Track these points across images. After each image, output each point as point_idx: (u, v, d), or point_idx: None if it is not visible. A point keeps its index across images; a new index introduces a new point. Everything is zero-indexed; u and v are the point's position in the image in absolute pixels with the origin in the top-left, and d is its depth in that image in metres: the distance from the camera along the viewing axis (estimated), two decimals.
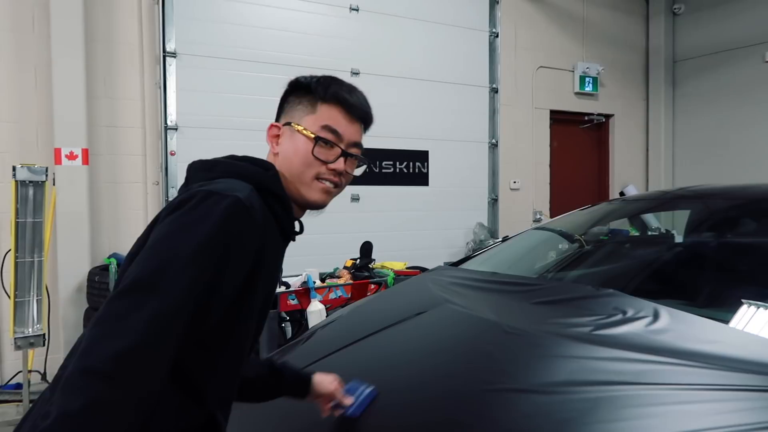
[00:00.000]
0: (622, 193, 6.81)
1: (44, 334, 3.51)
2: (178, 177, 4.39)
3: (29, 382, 3.54)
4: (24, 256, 3.41)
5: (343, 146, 1.14)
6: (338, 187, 1.16)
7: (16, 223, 3.37)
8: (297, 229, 1.17)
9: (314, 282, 3.71)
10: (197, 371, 1.00)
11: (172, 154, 4.43)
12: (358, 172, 1.21)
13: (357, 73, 5.12)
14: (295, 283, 3.73)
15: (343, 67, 4.97)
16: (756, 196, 2.39)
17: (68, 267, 4.10)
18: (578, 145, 7.11)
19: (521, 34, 6.36)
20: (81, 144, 4.11)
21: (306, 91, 1.16)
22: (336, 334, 2.00)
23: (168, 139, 4.44)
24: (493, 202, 6.02)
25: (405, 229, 5.41)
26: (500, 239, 3.15)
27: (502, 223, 5.97)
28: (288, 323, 4.00)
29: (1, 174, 3.99)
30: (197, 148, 4.32)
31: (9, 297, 3.51)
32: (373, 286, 3.94)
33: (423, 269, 4.07)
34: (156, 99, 4.46)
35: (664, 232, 3.07)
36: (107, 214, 4.38)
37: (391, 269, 4.24)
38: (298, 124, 1.13)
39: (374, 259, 4.35)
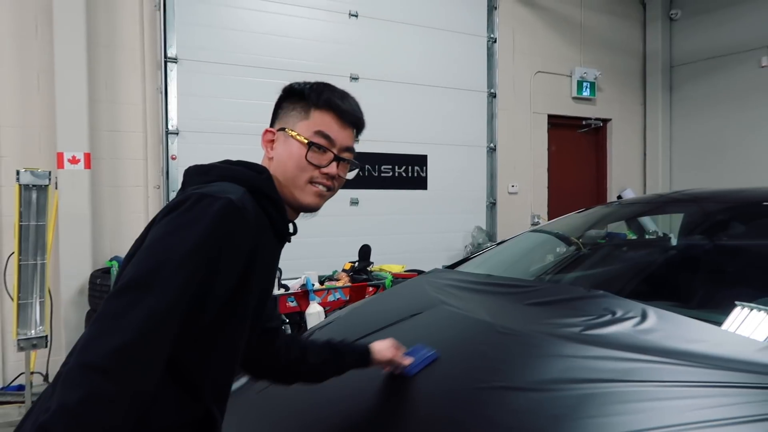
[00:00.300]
0: (619, 197, 6.84)
1: (47, 336, 3.55)
2: (179, 181, 4.36)
3: (31, 383, 3.57)
4: (27, 259, 3.44)
5: (335, 151, 1.17)
6: (331, 191, 1.19)
7: (20, 227, 3.41)
8: (291, 230, 1.20)
9: (313, 284, 3.75)
10: (194, 367, 1.03)
11: (173, 159, 4.46)
12: (351, 175, 1.24)
13: (356, 79, 5.15)
14: (294, 285, 3.77)
15: (342, 73, 5.02)
16: (750, 200, 2.43)
17: (70, 270, 4.12)
18: (576, 149, 7.13)
19: (519, 39, 6.39)
20: (83, 148, 4.13)
21: (300, 97, 1.19)
22: (334, 335, 2.01)
23: (169, 143, 4.48)
24: (492, 205, 6.04)
25: (403, 232, 5.44)
26: (496, 243, 3.18)
27: (500, 227, 6.00)
28: (287, 325, 4.02)
29: (5, 178, 4.03)
30: (198, 153, 4.36)
31: (12, 299, 3.55)
32: (371, 289, 3.97)
33: (421, 272, 4.10)
34: (157, 104, 4.50)
35: (661, 235, 3.11)
36: (109, 217, 4.40)
37: (390, 272, 4.27)
38: (292, 130, 1.16)
39: (372, 262, 4.38)
